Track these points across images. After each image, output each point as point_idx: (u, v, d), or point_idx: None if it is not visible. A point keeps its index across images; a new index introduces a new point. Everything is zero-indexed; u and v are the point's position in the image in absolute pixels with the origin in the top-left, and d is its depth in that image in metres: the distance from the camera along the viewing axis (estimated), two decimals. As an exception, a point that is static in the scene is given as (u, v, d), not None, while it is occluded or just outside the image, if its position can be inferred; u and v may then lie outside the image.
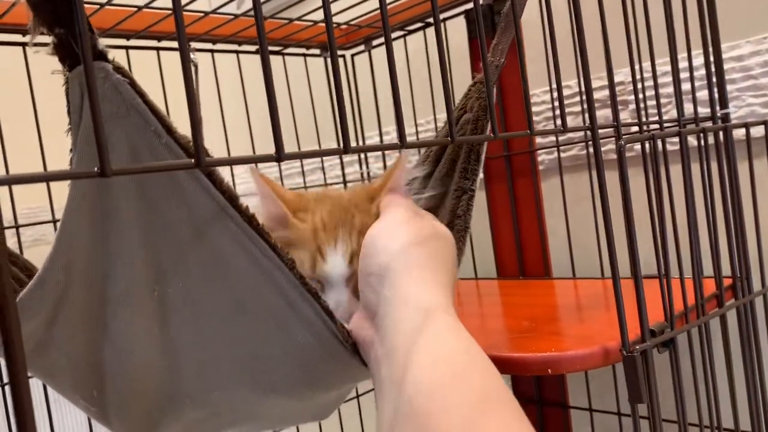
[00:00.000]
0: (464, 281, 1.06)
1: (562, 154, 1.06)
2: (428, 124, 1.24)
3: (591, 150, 0.99)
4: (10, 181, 0.26)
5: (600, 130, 0.56)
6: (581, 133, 1.01)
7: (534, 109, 1.09)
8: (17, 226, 0.86)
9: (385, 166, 1.23)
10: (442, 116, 1.16)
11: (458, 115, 0.59)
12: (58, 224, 0.41)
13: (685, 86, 0.74)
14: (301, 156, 0.35)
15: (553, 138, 1.06)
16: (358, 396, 1.23)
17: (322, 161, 1.38)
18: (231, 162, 0.33)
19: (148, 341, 0.46)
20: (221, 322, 0.44)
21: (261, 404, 0.50)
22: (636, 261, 0.57)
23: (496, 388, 0.38)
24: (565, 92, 1.04)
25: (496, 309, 0.83)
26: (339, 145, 0.37)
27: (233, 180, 1.15)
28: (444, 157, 0.59)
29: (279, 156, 0.34)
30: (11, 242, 0.95)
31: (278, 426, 0.61)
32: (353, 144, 0.93)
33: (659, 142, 0.61)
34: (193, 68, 1.05)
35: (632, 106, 0.97)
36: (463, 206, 0.56)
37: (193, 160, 0.31)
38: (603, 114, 1.00)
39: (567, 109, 1.05)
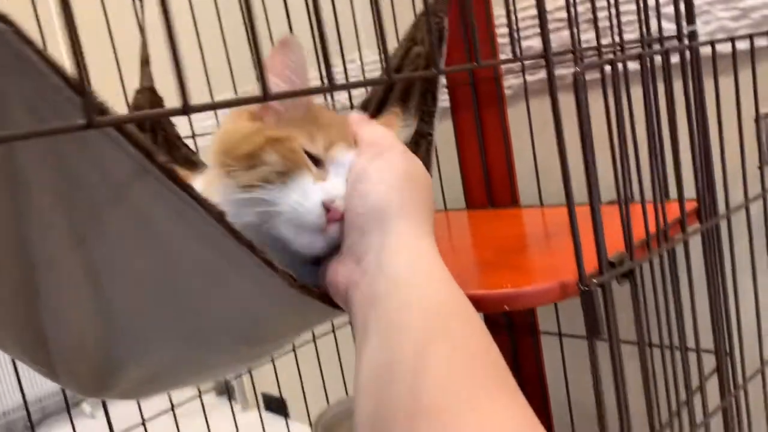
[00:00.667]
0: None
1: (530, 78, 1.03)
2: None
3: (558, 72, 0.96)
4: None
5: (557, 57, 0.53)
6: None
7: (499, 30, 1.05)
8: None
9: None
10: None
11: (407, 47, 0.55)
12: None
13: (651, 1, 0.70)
14: (290, 95, 0.32)
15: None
16: (333, 330, 1.23)
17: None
18: (132, 119, 0.31)
19: (82, 305, 0.44)
20: (155, 282, 0.42)
21: (205, 359, 0.49)
22: (594, 185, 0.55)
23: (481, 345, 0.38)
24: (527, 13, 0.99)
25: (463, 241, 0.82)
26: (322, 82, 0.34)
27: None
28: (390, 100, 0.55)
29: (185, 109, 0.31)
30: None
31: (226, 373, 0.60)
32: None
33: (620, 66, 0.58)
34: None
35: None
36: (423, 153, 0.52)
37: (84, 121, 0.28)
38: (566, 35, 0.96)
39: (530, 31, 1.00)
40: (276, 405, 1.83)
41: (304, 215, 0.45)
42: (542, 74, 1.04)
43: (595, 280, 0.55)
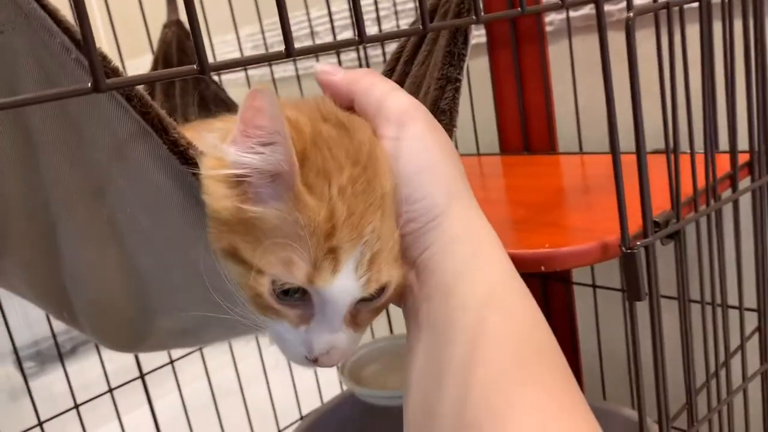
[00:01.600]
0: (466, 158, 1.00)
1: (573, 14, 0.97)
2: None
3: (607, 9, 0.90)
4: None
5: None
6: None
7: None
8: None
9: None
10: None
11: None
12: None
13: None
14: (316, 50, 0.30)
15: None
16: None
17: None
18: (141, 80, 0.28)
19: (105, 261, 0.43)
20: (170, 240, 0.40)
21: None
22: (641, 139, 0.51)
23: (539, 338, 0.36)
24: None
25: (497, 194, 0.79)
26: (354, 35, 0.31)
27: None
28: (423, 43, 0.51)
29: (202, 69, 0.28)
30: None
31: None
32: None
33: (675, 11, 0.53)
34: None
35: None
36: (449, 99, 0.47)
37: (89, 85, 0.26)
38: (619, -33, 0.89)
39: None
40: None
41: (289, 356, 0.38)
42: (586, 10, 0.97)
43: (638, 242, 0.52)
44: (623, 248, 0.52)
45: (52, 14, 0.30)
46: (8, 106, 0.24)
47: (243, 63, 0.29)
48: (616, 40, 0.51)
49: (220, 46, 1.48)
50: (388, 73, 0.54)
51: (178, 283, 0.43)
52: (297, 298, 0.35)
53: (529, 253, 0.54)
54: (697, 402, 0.61)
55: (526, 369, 0.34)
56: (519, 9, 0.42)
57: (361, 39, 0.33)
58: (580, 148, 0.93)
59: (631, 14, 0.49)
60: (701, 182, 0.59)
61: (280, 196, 0.33)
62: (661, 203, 0.56)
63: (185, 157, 0.35)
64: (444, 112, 0.47)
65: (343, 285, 0.34)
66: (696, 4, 0.56)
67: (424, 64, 0.51)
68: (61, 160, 0.36)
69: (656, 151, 0.57)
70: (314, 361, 0.37)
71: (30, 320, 1.65)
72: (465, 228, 0.38)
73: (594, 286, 0.96)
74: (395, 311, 1.39)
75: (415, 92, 0.51)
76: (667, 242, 0.56)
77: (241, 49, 1.21)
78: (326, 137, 0.35)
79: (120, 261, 0.42)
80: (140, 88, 0.32)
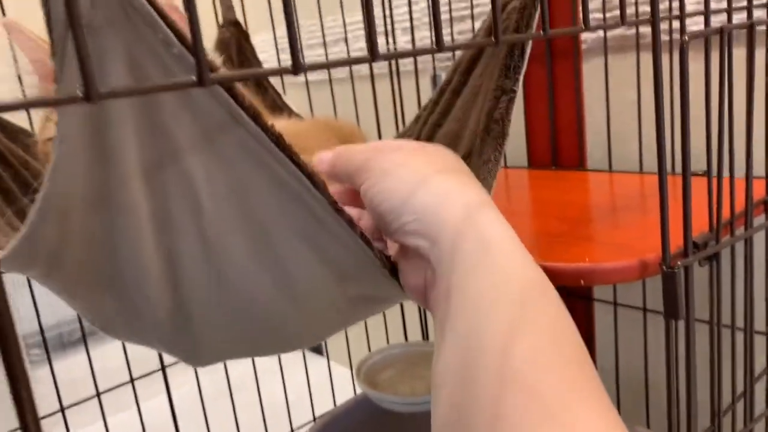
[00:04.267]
0: (493, 169, 1.01)
1: (607, 34, 0.97)
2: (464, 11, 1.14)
3: (641, 30, 0.91)
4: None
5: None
6: (629, 11, 0.92)
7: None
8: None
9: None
10: (481, 9, 1.06)
11: (505, 1, 0.51)
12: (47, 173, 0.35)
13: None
14: (326, 66, 0.31)
15: (597, 14, 0.97)
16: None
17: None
18: (243, 77, 0.29)
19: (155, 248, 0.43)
20: (248, 254, 0.40)
21: (296, 323, 0.48)
22: (687, 158, 0.52)
23: (560, 338, 0.34)
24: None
25: (526, 206, 0.80)
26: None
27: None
28: (483, 57, 0.52)
29: (296, 68, 0.29)
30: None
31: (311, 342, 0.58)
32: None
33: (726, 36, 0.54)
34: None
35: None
36: (502, 109, 0.48)
37: (194, 78, 0.26)
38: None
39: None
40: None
41: None
42: (620, 30, 0.98)
43: (679, 263, 0.52)
44: (664, 267, 0.52)
45: (158, 9, 0.31)
46: (122, 94, 0.25)
47: (335, 64, 0.30)
48: (647, 60, 0.51)
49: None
50: (447, 84, 0.55)
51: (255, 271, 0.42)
52: None
53: (570, 267, 0.55)
54: (722, 425, 0.62)
55: (563, 356, 0.33)
56: (582, 26, 0.42)
57: (439, 48, 0.34)
58: (610, 166, 0.93)
59: (686, 38, 0.50)
60: (738, 207, 0.60)
61: None
62: (696, 225, 0.56)
63: (285, 152, 0.36)
64: (497, 122, 0.48)
65: None
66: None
67: (482, 76, 0.52)
68: (133, 172, 0.36)
69: (693, 174, 0.57)
70: None
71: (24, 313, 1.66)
72: (467, 225, 0.37)
73: (615, 304, 0.97)
74: (410, 319, 1.40)
75: (472, 102, 0.52)
76: (704, 264, 0.57)
77: (277, 50, 1.22)
78: None
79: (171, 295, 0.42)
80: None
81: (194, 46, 0.26)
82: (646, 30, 0.91)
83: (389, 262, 0.41)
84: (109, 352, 1.13)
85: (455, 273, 0.36)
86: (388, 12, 1.11)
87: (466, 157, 0.49)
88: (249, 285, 0.42)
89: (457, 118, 0.54)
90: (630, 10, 0.88)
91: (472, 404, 0.32)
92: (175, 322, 0.44)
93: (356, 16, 1.29)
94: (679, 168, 0.70)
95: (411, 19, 1.09)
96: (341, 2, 1.11)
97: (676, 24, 0.86)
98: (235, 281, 0.41)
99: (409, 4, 1.07)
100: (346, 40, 1.23)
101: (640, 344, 0.96)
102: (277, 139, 0.35)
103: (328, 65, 0.31)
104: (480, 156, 0.48)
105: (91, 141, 0.34)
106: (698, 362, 0.59)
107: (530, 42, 0.52)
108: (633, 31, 0.93)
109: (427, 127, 0.60)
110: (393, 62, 1.13)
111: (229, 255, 0.40)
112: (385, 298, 0.47)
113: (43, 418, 0.89)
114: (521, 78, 0.50)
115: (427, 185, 0.38)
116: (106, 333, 0.48)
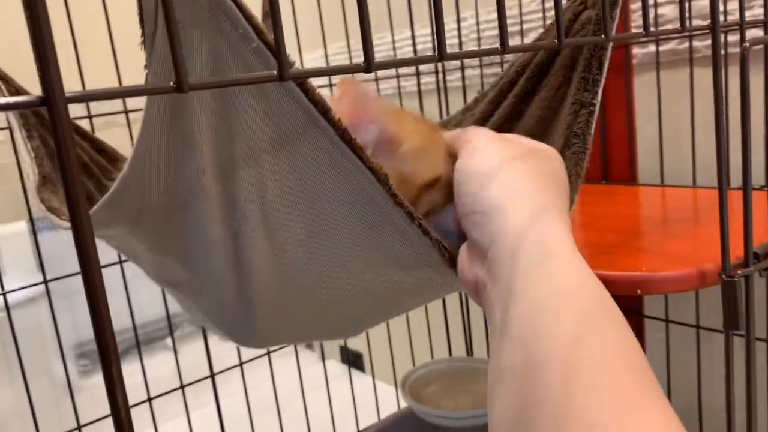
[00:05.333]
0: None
1: (659, 48, 0.97)
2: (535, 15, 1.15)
3: (694, 45, 0.90)
4: (84, 98, 0.24)
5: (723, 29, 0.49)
6: (678, 25, 0.92)
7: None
8: (90, 116, 0.87)
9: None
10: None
11: (576, 11, 0.51)
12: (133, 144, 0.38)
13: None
14: (395, 65, 0.32)
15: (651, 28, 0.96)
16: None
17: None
18: (318, 73, 0.30)
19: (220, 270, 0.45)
20: (305, 242, 0.42)
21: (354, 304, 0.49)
22: (748, 169, 0.51)
23: (623, 345, 0.34)
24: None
25: (577, 218, 0.79)
26: (434, 51, 0.33)
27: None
28: (554, 66, 0.52)
29: (368, 66, 0.30)
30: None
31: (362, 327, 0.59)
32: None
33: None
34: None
35: (746, -5, 0.86)
36: (582, 123, 0.48)
37: (275, 72, 0.28)
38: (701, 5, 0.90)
39: (670, -2, 0.94)
40: (353, 359, 1.86)
41: None
42: (671, 45, 0.97)
43: (739, 272, 0.51)
44: (723, 276, 0.51)
45: (239, 4, 0.32)
46: (204, 86, 0.27)
47: (326, 72, 0.30)
48: (704, 76, 0.51)
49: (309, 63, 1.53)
50: (508, 86, 0.56)
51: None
52: None
53: (626, 276, 0.54)
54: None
55: (629, 371, 0.32)
56: (644, 32, 0.43)
57: (504, 49, 0.35)
58: (662, 180, 0.92)
59: (746, 44, 0.50)
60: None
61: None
62: (757, 237, 0.55)
63: (351, 146, 0.37)
64: (577, 136, 0.48)
65: None
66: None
67: (560, 90, 0.52)
68: (206, 159, 0.38)
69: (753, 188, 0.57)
70: None
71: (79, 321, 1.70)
72: (532, 221, 0.38)
73: (667, 321, 0.95)
74: (455, 333, 1.39)
75: (547, 116, 0.52)
76: (765, 275, 0.55)
77: (328, 64, 1.25)
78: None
79: (234, 272, 0.44)
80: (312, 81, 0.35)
81: (276, 42, 0.27)
82: (698, 44, 0.90)
83: (448, 252, 0.42)
84: (159, 362, 1.16)
85: (516, 275, 0.36)
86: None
87: None
88: (309, 267, 0.43)
89: (529, 128, 0.54)
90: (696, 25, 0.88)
91: (536, 399, 0.32)
92: (238, 301, 0.45)
93: (422, 29, 1.31)
94: (734, 183, 0.69)
95: (459, 35, 1.11)
96: (410, 15, 1.13)
97: (731, 38, 0.85)
98: (296, 263, 0.43)
99: (458, 21, 1.08)
100: (414, 50, 1.26)
101: (692, 362, 0.94)
102: (342, 134, 0.37)
103: (396, 63, 0.32)
104: None
105: (171, 127, 0.36)
106: (759, 381, 0.58)
107: (609, 54, 0.52)
108: (685, 45, 0.92)
109: (488, 124, 0.59)
110: (441, 77, 1.15)
111: (290, 237, 0.42)
112: (446, 283, 0.47)
113: (91, 423, 0.91)
114: (600, 91, 0.51)
115: (502, 177, 0.39)
116: (174, 296, 0.52)
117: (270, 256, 0.42)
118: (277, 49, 0.27)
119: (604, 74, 0.48)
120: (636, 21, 0.96)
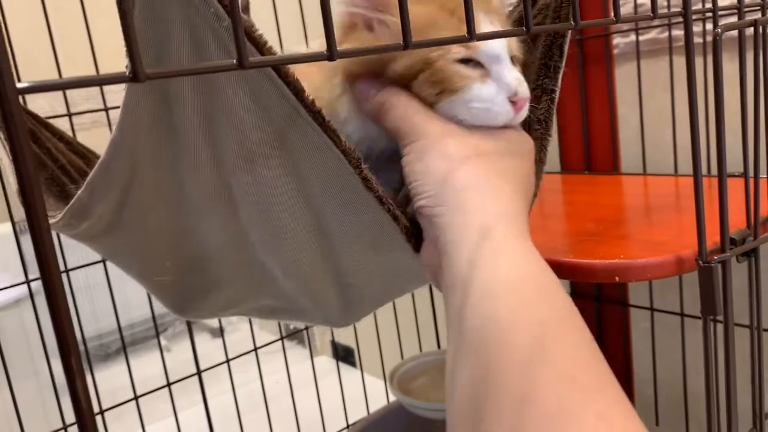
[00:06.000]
0: (525, 175, 1.01)
1: (639, 38, 0.97)
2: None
3: (674, 33, 0.90)
4: (36, 89, 0.24)
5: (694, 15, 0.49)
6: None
7: (611, -14, 0.99)
8: (70, 114, 0.86)
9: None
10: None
11: None
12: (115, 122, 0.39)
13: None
14: (359, 53, 0.31)
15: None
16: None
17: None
18: (280, 61, 0.30)
19: (224, 226, 0.46)
20: (293, 210, 0.44)
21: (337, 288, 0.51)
22: (723, 158, 0.51)
23: (560, 323, 0.34)
24: (648, -33, 0.93)
25: (558, 208, 0.79)
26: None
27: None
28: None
29: (331, 54, 0.30)
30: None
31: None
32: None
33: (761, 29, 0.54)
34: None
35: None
36: (544, 109, 0.48)
37: (234, 62, 0.27)
38: (690, -8, 0.90)
39: (649, -13, 0.94)
40: (344, 354, 1.86)
41: (495, 118, 0.43)
42: (652, 34, 0.98)
43: (716, 257, 0.52)
44: (700, 262, 0.52)
45: None
46: (161, 76, 0.26)
47: (365, 51, 0.31)
48: (684, 66, 0.51)
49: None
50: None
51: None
52: (472, 66, 0.43)
53: (604, 264, 0.55)
54: (764, 428, 0.60)
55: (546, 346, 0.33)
56: (614, 18, 0.43)
57: (470, 37, 0.35)
58: (644, 169, 0.93)
59: (719, 30, 0.50)
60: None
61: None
62: (734, 223, 0.56)
63: (321, 118, 0.38)
64: (540, 122, 0.48)
65: (497, 43, 0.42)
66: (780, 25, 0.56)
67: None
68: (193, 124, 0.39)
69: (730, 175, 0.57)
70: (513, 102, 0.43)
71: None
72: (479, 207, 0.39)
73: (652, 309, 0.95)
74: (443, 326, 1.39)
75: None
76: (742, 260, 0.56)
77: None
78: None
79: (234, 222, 0.45)
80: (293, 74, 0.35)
81: (234, 27, 0.27)
82: (678, 33, 0.90)
83: (414, 238, 0.43)
84: (152, 361, 1.15)
85: (461, 264, 0.37)
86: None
87: None
88: (288, 227, 0.45)
89: None
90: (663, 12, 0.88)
91: (497, 383, 0.33)
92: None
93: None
94: (714, 171, 0.69)
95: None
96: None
97: (709, 26, 0.85)
98: (277, 220, 0.45)
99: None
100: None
101: (678, 351, 0.94)
102: (316, 114, 0.37)
103: (360, 52, 0.32)
104: None
105: (152, 92, 0.37)
106: (739, 367, 0.58)
107: (568, 40, 0.52)
108: (665, 34, 0.92)
109: None
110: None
111: (273, 189, 0.43)
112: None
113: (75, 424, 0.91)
114: (560, 78, 0.51)
115: (454, 175, 0.39)
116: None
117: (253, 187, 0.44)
118: (235, 36, 0.27)
119: (564, 60, 0.49)
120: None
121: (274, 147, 0.40)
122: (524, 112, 0.44)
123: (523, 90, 0.43)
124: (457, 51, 0.42)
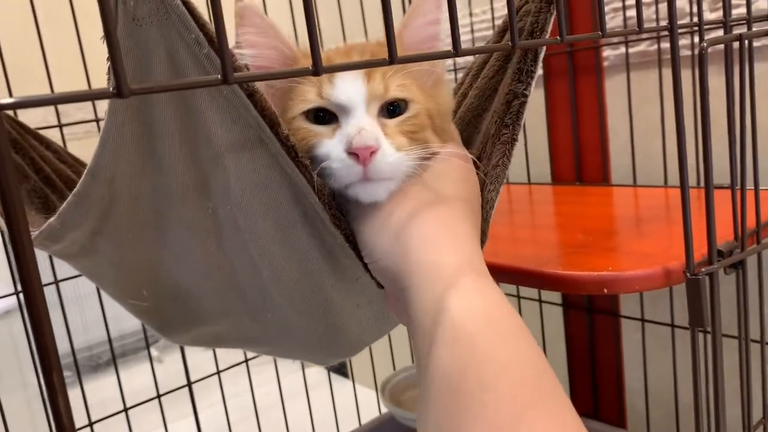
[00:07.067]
0: (516, 186, 1.02)
1: (628, 50, 0.98)
2: (483, 15, 1.15)
3: (663, 46, 0.91)
4: (18, 105, 0.24)
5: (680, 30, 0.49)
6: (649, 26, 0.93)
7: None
8: (60, 125, 0.86)
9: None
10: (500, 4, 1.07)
11: (519, 5, 0.52)
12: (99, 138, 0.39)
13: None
14: (347, 68, 0.32)
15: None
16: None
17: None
18: (264, 77, 0.30)
19: (201, 254, 0.46)
20: (270, 243, 0.43)
21: (307, 322, 0.50)
22: (709, 168, 0.52)
23: (521, 356, 0.35)
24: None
25: (549, 219, 0.80)
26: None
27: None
28: (493, 55, 0.52)
29: (317, 70, 0.30)
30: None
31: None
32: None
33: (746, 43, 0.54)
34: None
35: (713, -4, 0.87)
36: (513, 114, 0.48)
37: (219, 77, 0.28)
38: (678, 6, 0.91)
39: (630, 1, 0.95)
40: (336, 365, 1.86)
41: (339, 172, 0.40)
42: (642, 47, 0.98)
43: (703, 269, 0.52)
44: (688, 274, 0.52)
45: (191, 10, 0.33)
46: (145, 91, 0.26)
47: (354, 66, 0.31)
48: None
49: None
50: (458, 87, 0.56)
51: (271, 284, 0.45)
52: (327, 120, 0.41)
53: (593, 276, 0.55)
54: (752, 440, 0.60)
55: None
56: (600, 32, 0.43)
57: (456, 51, 0.35)
58: (634, 180, 0.93)
59: (704, 44, 0.50)
60: (763, 218, 0.59)
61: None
62: (721, 235, 0.56)
63: (294, 153, 0.38)
64: (507, 126, 0.48)
65: (347, 87, 0.40)
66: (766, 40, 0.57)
67: (493, 79, 0.53)
68: (176, 151, 0.39)
69: (716, 187, 0.57)
70: (354, 155, 0.39)
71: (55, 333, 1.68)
72: (437, 258, 0.39)
73: (643, 320, 0.95)
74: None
75: (479, 105, 0.53)
76: (730, 272, 0.56)
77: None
78: None
79: (215, 254, 0.45)
80: (262, 88, 0.35)
81: (219, 45, 0.27)
82: (668, 46, 0.91)
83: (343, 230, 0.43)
84: (136, 375, 1.14)
85: (417, 308, 0.38)
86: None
87: (476, 161, 0.50)
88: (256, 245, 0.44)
89: (467, 121, 0.54)
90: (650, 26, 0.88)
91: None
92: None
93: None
94: (703, 182, 0.70)
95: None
96: (364, 24, 1.13)
97: (697, 38, 0.86)
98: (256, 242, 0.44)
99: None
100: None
101: (669, 361, 0.94)
102: (285, 141, 0.37)
103: (347, 67, 0.32)
104: (489, 160, 0.48)
105: (136, 116, 0.38)
106: (728, 377, 0.58)
107: (544, 48, 0.52)
108: (655, 47, 0.93)
109: None
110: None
111: (255, 225, 0.43)
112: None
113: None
114: (533, 83, 0.51)
115: (403, 233, 0.40)
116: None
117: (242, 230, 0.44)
118: (220, 53, 0.27)
119: (539, 66, 0.49)
120: (608, 24, 0.97)
121: (255, 182, 0.40)
122: (382, 164, 0.40)
123: (361, 139, 0.39)
124: (312, 100, 0.40)
